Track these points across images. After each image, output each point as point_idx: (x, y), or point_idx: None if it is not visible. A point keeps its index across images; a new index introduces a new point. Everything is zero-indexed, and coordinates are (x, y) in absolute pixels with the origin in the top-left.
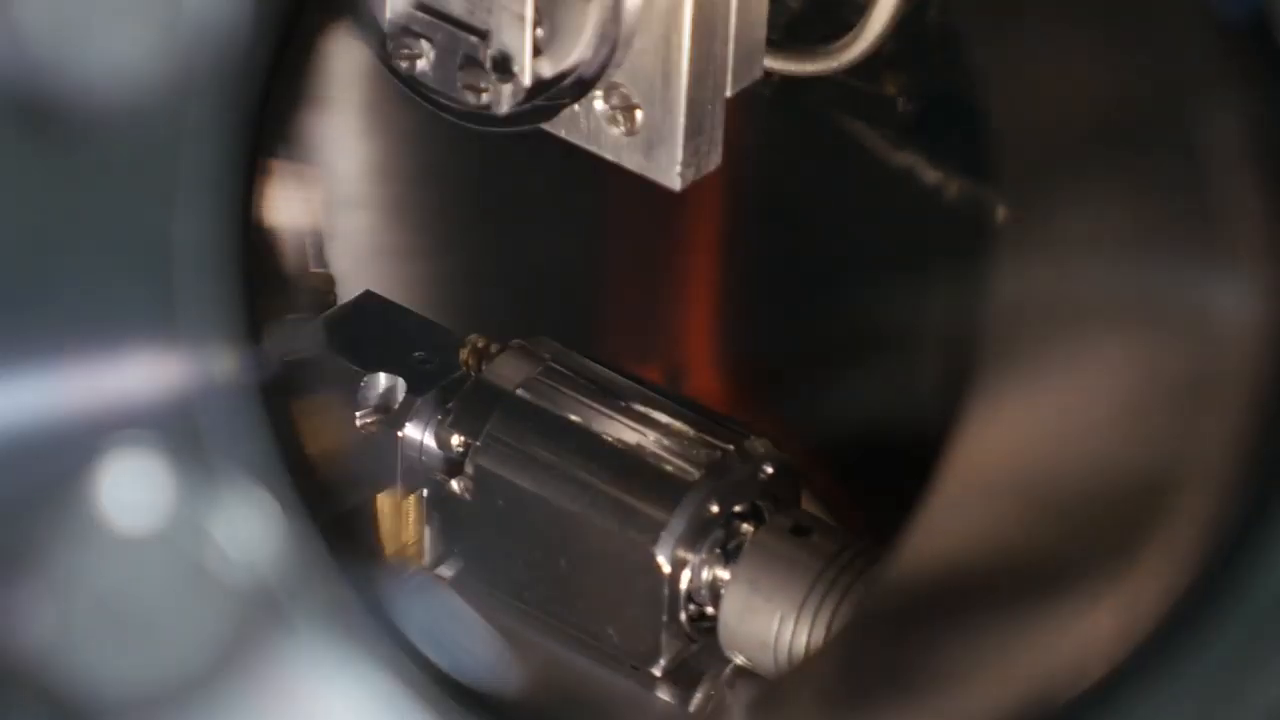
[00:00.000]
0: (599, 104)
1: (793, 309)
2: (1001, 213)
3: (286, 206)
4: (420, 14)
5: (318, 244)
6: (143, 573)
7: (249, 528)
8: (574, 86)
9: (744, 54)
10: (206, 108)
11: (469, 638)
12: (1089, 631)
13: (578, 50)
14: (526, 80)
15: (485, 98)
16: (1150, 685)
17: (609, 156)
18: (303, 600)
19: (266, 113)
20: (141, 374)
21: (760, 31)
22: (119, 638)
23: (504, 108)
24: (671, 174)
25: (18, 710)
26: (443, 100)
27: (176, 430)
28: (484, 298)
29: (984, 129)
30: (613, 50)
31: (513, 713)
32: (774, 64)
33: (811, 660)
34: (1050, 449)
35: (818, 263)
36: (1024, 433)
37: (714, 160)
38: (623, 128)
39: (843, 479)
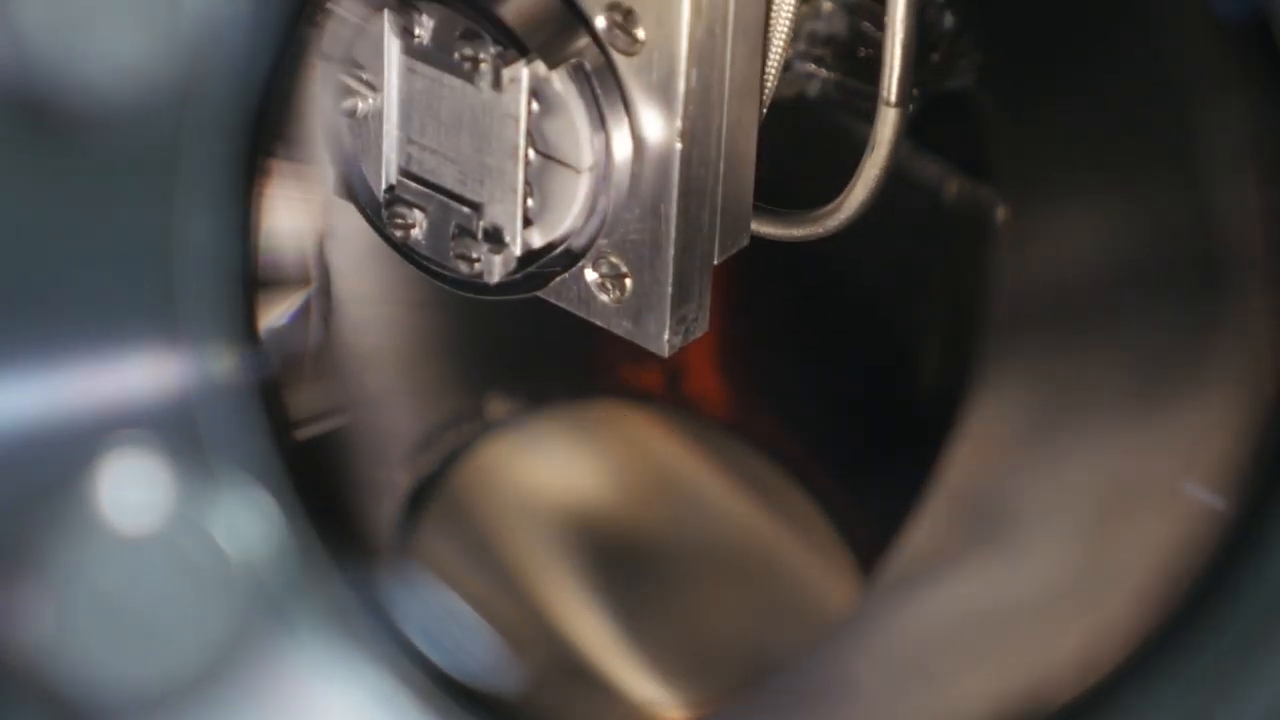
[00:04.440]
0: (589, 273)
1: (792, 309)
2: (1001, 213)
3: (286, 206)
4: (413, 184)
5: (317, 243)
6: (143, 573)
7: (249, 528)
8: (564, 256)
9: (731, 221)
10: (206, 108)
11: (469, 637)
12: (1088, 632)
13: (568, 221)
14: (517, 250)
15: (477, 267)
16: (1150, 685)
17: (598, 322)
18: (303, 600)
19: (266, 113)
20: (141, 374)
21: (747, 198)
22: (119, 638)
23: (495, 277)
24: (660, 342)
25: (18, 710)
26: (435, 268)
27: (176, 430)
28: None
29: (984, 129)
30: (603, 221)
31: (513, 713)
32: (760, 228)
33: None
34: (1051, 448)
35: (817, 262)
36: (1024, 431)
37: (702, 326)
38: (612, 295)
39: (842, 478)
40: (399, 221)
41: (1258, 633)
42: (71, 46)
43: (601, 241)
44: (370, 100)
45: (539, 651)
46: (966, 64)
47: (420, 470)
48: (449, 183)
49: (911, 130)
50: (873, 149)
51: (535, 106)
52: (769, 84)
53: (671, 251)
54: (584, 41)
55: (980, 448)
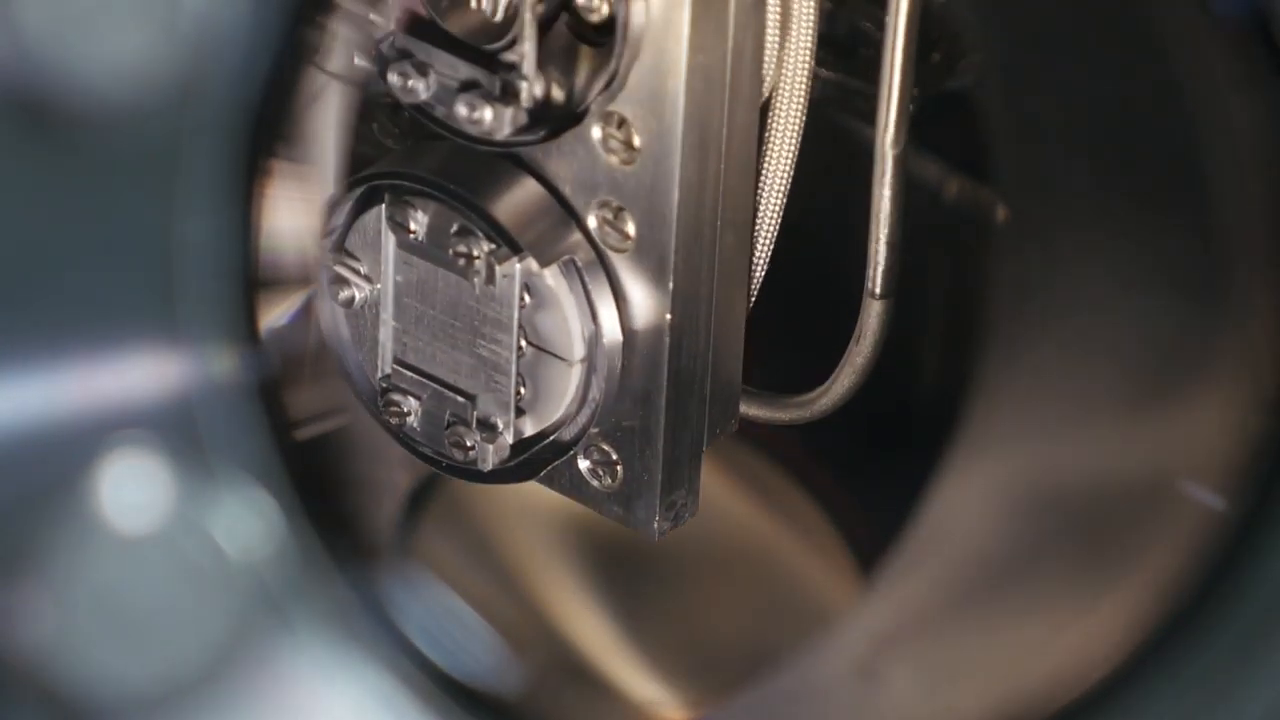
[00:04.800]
0: (581, 461)
1: (791, 308)
2: (1001, 213)
3: (286, 206)
4: (408, 373)
5: (317, 243)
6: (143, 573)
7: (249, 528)
8: (556, 445)
9: (720, 409)
10: (206, 108)
11: (469, 638)
12: (1088, 632)
13: (559, 411)
14: (510, 439)
15: (471, 454)
16: (1150, 685)
17: (590, 507)
18: (303, 600)
19: (266, 113)
20: (141, 374)
21: (736, 386)
22: (119, 638)
23: (489, 465)
24: (650, 527)
25: (18, 710)
26: (430, 454)
27: (176, 430)
28: None
29: (984, 129)
30: (594, 411)
31: (513, 713)
32: (749, 411)
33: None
34: (1050, 448)
35: (816, 262)
36: (1024, 431)
37: (692, 509)
38: (603, 482)
39: (842, 478)
40: (394, 409)
41: (1258, 633)
42: (71, 46)
43: (593, 430)
44: (366, 291)
45: (539, 651)
46: (966, 64)
47: (420, 470)
48: (443, 373)
49: (912, 130)
50: (858, 340)
51: (527, 299)
52: (758, 273)
53: (661, 442)
54: (575, 238)
55: (980, 447)
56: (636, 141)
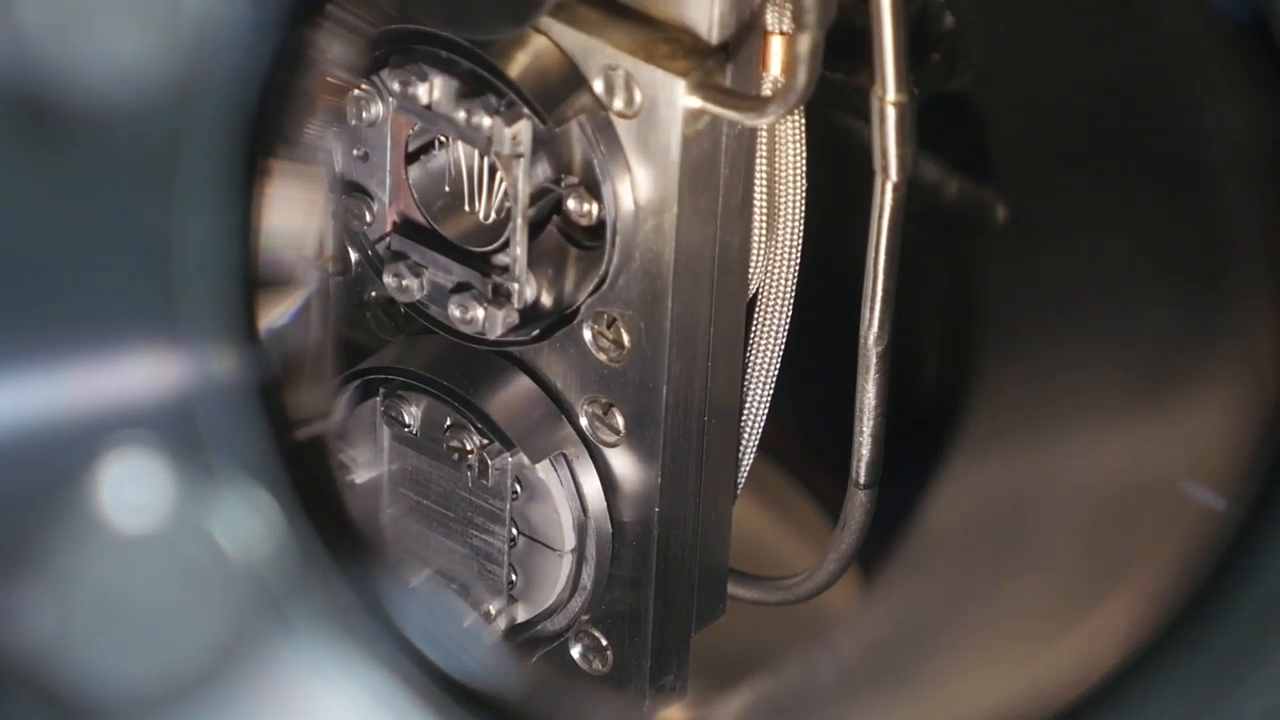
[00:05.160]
0: (574, 647)
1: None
2: (1001, 213)
3: (286, 206)
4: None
5: (317, 243)
6: (143, 573)
7: (249, 528)
8: (548, 632)
9: (708, 595)
10: (206, 108)
11: (469, 638)
12: (1089, 632)
13: (551, 598)
14: (502, 625)
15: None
16: (1150, 685)
17: (581, 689)
18: (303, 600)
19: (266, 113)
20: (141, 374)
21: (724, 570)
22: (119, 637)
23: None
24: (639, 711)
25: (18, 710)
26: None
27: (176, 430)
28: None
29: (984, 129)
30: (585, 599)
31: (513, 713)
32: (737, 592)
33: (811, 658)
34: (1050, 448)
35: (816, 261)
36: (1024, 431)
37: (681, 691)
38: (594, 666)
39: (842, 478)
40: None
41: (1258, 633)
42: (71, 46)
43: (584, 617)
44: (365, 475)
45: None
46: (966, 64)
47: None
48: (437, 561)
49: (911, 135)
50: (842, 528)
51: (519, 491)
52: (745, 461)
53: (650, 629)
54: (566, 433)
55: (980, 448)
56: (626, 340)
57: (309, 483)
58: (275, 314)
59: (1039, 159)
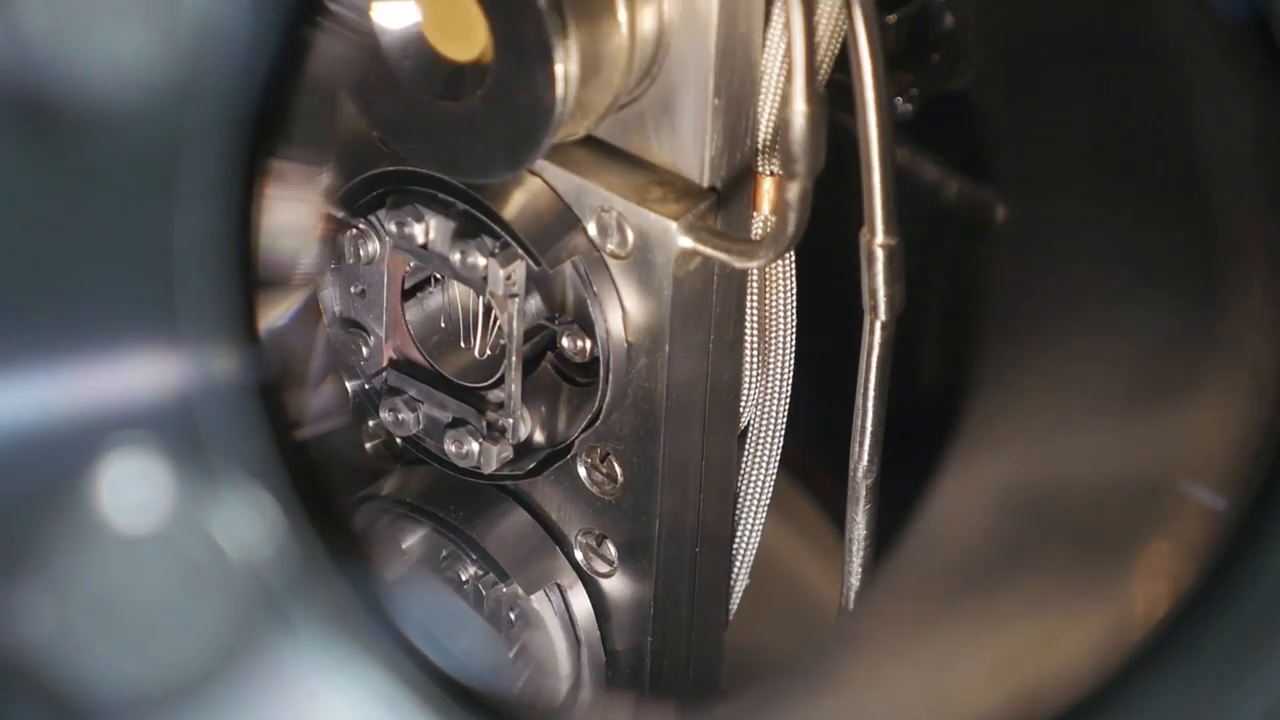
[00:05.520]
0: None
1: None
2: (1001, 212)
3: (286, 206)
4: None
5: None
6: (143, 573)
7: (249, 528)
8: None
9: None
10: (206, 108)
11: (469, 638)
12: (1088, 632)
13: None
14: None
15: None
16: (1150, 685)
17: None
18: (303, 600)
19: (266, 113)
20: (141, 374)
21: (716, 692)
22: (119, 638)
23: None
24: None
25: (18, 710)
26: None
27: (176, 430)
28: None
29: (984, 129)
30: None
31: (513, 713)
32: None
33: (812, 658)
34: (1050, 448)
35: (815, 261)
36: (1024, 431)
37: None
38: None
39: (842, 478)
40: None
41: (1258, 633)
42: (71, 46)
43: None
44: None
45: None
46: (966, 64)
47: None
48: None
49: (911, 130)
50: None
51: (514, 620)
52: (738, 586)
53: None
54: (560, 564)
55: (980, 448)
56: (619, 474)
57: (309, 483)
58: (275, 314)
59: (1039, 159)
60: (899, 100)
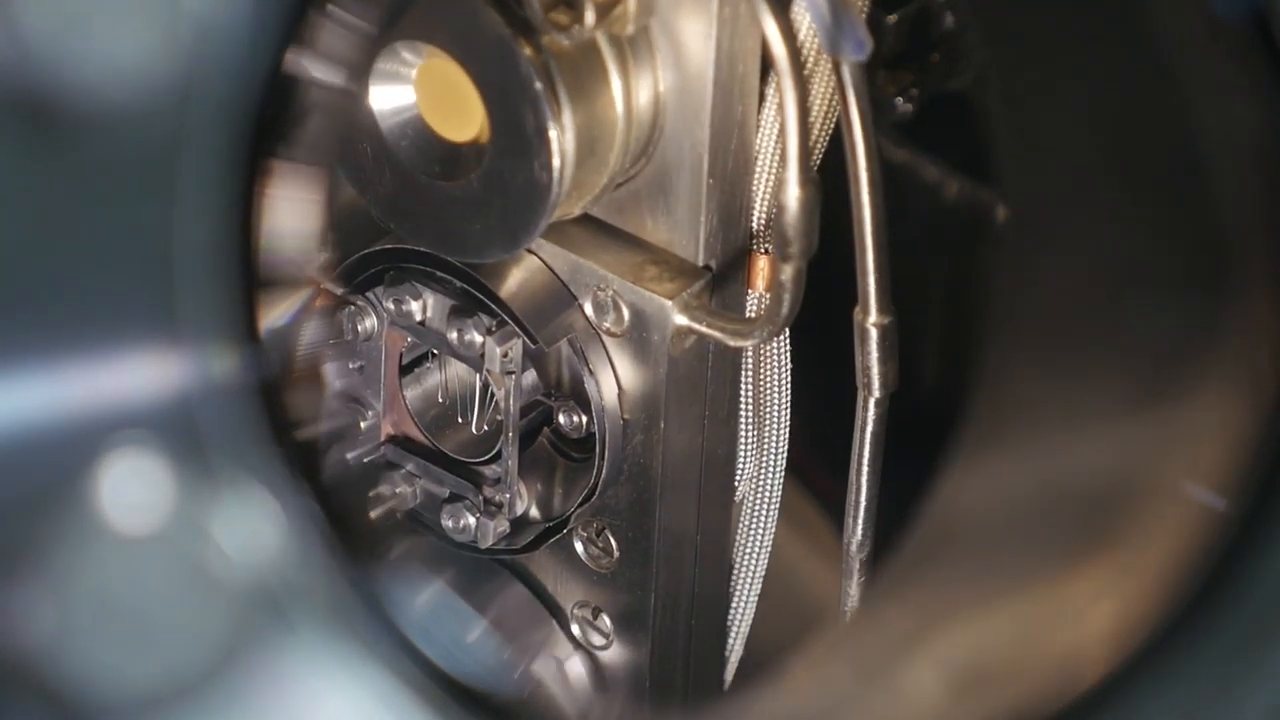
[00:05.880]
0: None
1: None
2: (1001, 212)
3: (286, 206)
4: None
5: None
6: (143, 573)
7: (249, 528)
8: None
9: None
10: (206, 108)
11: (469, 638)
12: (1088, 632)
13: None
14: None
15: None
16: (1150, 685)
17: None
18: (303, 600)
19: (266, 113)
20: (141, 374)
21: None
22: (119, 638)
23: None
24: None
25: (18, 710)
26: None
27: (176, 430)
28: None
29: (984, 129)
30: None
31: (513, 713)
32: None
33: (812, 658)
34: (1051, 448)
35: (815, 261)
36: (1024, 432)
37: None
38: None
39: (842, 478)
40: None
41: (1258, 633)
42: (71, 46)
43: None
44: None
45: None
46: (966, 64)
47: None
48: None
49: (911, 130)
50: None
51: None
52: (732, 658)
53: None
54: (556, 637)
55: (981, 448)
56: (615, 548)
57: (309, 483)
58: (275, 314)
59: (1039, 159)
60: (899, 100)
